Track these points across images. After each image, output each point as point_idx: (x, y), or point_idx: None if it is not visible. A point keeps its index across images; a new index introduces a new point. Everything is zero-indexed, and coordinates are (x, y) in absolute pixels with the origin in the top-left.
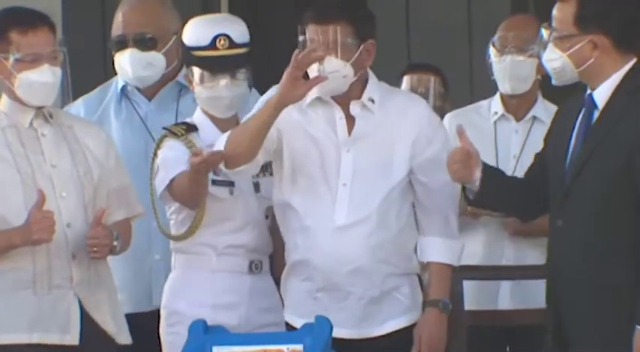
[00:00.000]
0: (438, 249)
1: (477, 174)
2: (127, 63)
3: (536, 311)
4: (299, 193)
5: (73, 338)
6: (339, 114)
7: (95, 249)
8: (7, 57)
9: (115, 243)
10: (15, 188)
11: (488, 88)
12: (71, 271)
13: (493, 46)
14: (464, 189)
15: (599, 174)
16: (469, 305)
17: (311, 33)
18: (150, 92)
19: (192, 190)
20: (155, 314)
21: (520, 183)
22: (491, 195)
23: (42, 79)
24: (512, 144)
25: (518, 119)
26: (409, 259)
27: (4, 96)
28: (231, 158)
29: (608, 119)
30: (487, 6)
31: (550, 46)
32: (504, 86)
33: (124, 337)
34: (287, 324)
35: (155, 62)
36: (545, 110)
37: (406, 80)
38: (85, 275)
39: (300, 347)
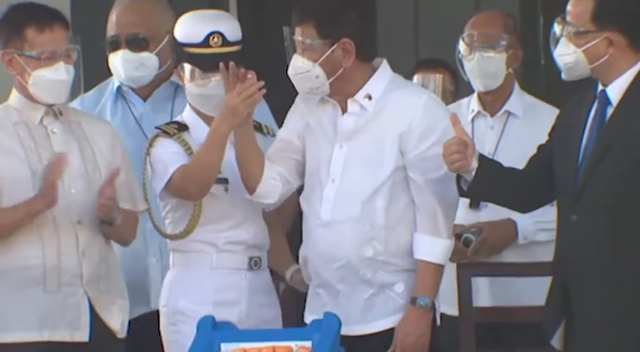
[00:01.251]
0: (422, 247)
1: (474, 163)
2: (119, 64)
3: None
4: (305, 191)
5: (82, 335)
6: (339, 111)
7: (104, 205)
8: (22, 54)
9: (117, 216)
10: (26, 183)
11: None
12: (81, 268)
13: (463, 41)
14: (458, 179)
15: (615, 169)
16: (451, 304)
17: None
18: (145, 92)
19: (206, 166)
20: (153, 316)
21: (519, 175)
22: (485, 185)
23: (58, 77)
24: (487, 142)
25: (492, 114)
26: (408, 256)
27: (15, 92)
28: (248, 183)
29: (623, 115)
30: (495, 3)
31: (563, 40)
32: (476, 83)
33: (123, 332)
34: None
35: (147, 63)
36: (520, 104)
37: (416, 78)
38: (95, 272)
39: (308, 343)
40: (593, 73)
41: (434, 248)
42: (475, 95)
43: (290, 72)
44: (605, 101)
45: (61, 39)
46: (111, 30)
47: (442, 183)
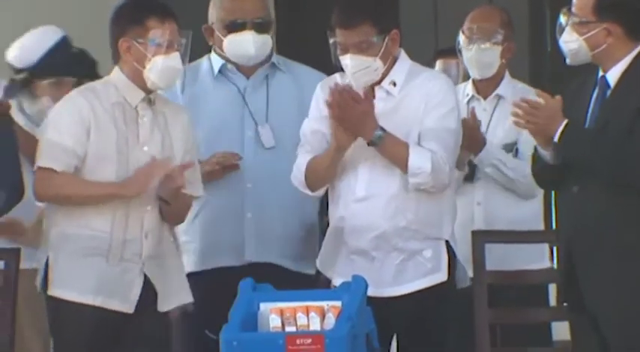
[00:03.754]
0: (416, 149)
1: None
2: (249, 43)
3: (546, 270)
4: (339, 169)
5: (129, 308)
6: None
7: (172, 189)
8: (145, 41)
9: (176, 198)
10: (110, 164)
11: (511, 72)
12: (142, 248)
13: (463, 33)
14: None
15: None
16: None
17: (339, 36)
18: (249, 71)
19: None
20: (245, 269)
21: None
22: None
23: (174, 65)
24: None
25: (485, 98)
26: (436, 225)
27: (118, 72)
28: (313, 185)
29: (619, 95)
30: None
31: (568, 29)
32: (473, 72)
33: (187, 297)
34: (330, 282)
35: (268, 42)
36: (509, 89)
37: (438, 64)
38: (154, 252)
39: (338, 303)
40: (593, 60)
41: (422, 154)
42: (470, 81)
43: (350, 70)
44: (605, 86)
45: (176, 32)
46: (230, 14)
47: (452, 151)
